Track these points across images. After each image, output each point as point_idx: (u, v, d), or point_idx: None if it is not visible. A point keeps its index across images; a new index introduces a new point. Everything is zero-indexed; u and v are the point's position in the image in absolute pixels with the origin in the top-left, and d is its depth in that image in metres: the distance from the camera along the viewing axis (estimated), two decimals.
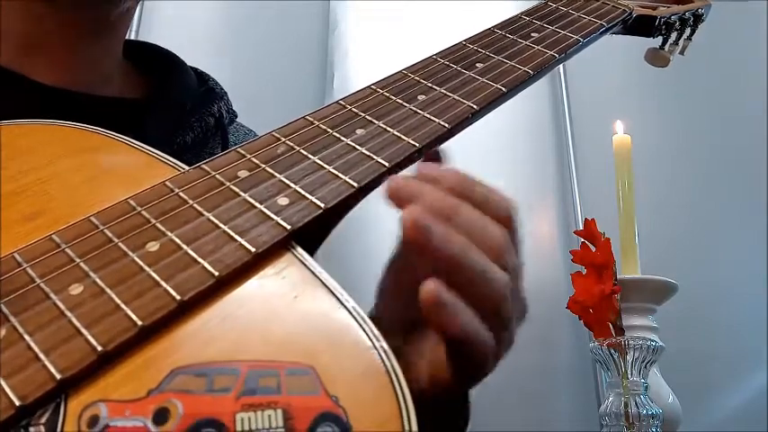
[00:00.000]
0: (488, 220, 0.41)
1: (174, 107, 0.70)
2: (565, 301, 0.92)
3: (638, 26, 0.70)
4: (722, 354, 1.27)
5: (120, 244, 0.37)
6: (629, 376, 0.85)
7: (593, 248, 0.93)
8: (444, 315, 0.37)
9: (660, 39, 0.74)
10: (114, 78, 0.71)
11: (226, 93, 0.77)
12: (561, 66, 1.34)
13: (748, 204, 1.37)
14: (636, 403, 0.84)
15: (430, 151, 0.46)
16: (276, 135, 0.46)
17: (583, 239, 0.95)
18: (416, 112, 0.48)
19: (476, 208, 0.41)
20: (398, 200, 0.40)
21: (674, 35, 0.74)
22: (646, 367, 0.86)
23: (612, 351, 0.86)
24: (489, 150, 1.33)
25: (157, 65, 0.75)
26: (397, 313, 0.44)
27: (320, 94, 1.54)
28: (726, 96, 1.45)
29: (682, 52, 0.75)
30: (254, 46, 1.53)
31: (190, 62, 0.77)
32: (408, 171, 0.45)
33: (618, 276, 0.94)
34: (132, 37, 0.72)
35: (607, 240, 0.93)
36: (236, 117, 0.78)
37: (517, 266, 0.43)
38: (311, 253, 0.39)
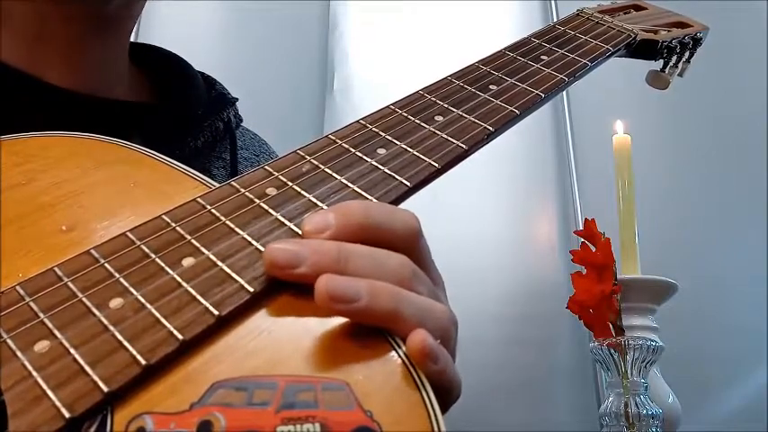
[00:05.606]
0: (383, 257, 0.39)
1: (186, 112, 0.71)
2: (565, 301, 0.92)
3: (641, 50, 0.72)
4: (722, 354, 1.27)
5: (157, 259, 0.38)
6: (629, 376, 0.85)
7: (594, 248, 0.93)
8: (436, 365, 0.35)
9: (661, 62, 0.76)
10: (122, 80, 0.71)
11: (236, 99, 0.77)
12: None
13: (748, 204, 1.38)
14: (636, 403, 0.84)
15: None
16: (301, 153, 0.46)
17: (583, 239, 0.94)
18: (435, 132, 0.49)
19: (370, 242, 0.39)
20: (280, 271, 0.37)
21: (674, 58, 0.76)
22: (646, 367, 0.86)
23: (612, 351, 0.86)
24: (489, 151, 1.33)
25: (164, 68, 0.75)
26: None
27: (320, 95, 1.54)
28: (726, 96, 1.45)
29: (681, 74, 0.77)
30: (254, 46, 1.53)
31: (189, 61, 0.78)
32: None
33: (618, 276, 0.93)
34: (132, 36, 0.73)
35: (607, 240, 0.93)
36: (242, 121, 0.79)
37: (433, 284, 0.41)
38: None
